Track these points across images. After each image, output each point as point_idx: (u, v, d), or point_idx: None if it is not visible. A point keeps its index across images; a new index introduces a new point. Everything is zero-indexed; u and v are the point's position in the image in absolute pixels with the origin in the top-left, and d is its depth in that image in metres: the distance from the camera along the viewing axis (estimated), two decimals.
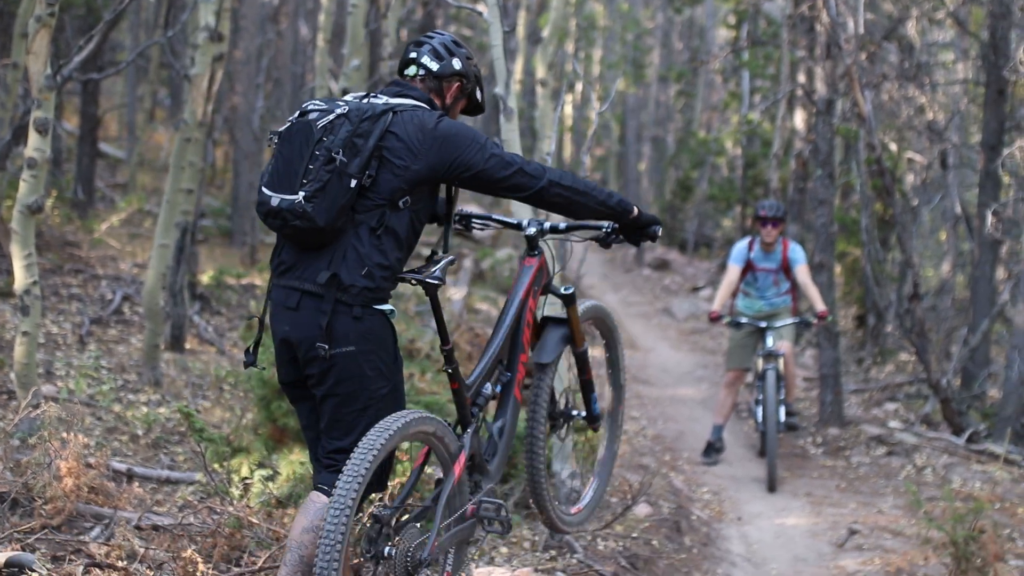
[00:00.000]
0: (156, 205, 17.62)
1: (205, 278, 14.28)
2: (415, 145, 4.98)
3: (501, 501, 5.41)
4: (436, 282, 4.95)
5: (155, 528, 6.62)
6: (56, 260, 13.20)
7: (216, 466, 7.46)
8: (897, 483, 11.66)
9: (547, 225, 5.75)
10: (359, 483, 4.50)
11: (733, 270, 12.23)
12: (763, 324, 11.95)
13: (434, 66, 5.29)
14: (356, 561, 4.88)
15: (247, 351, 5.18)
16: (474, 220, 5.81)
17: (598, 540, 8.37)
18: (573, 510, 6.31)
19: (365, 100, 5.09)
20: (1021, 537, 9.71)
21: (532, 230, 5.72)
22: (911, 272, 14.39)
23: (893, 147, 21.07)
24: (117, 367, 10.40)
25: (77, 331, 11.20)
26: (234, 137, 20.43)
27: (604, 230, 5.66)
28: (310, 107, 5.05)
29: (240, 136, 19.37)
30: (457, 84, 5.37)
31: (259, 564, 5.92)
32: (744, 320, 12.05)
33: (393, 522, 4.82)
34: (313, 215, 4.79)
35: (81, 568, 5.55)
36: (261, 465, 7.48)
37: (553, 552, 7.78)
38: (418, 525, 4.97)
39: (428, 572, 4.88)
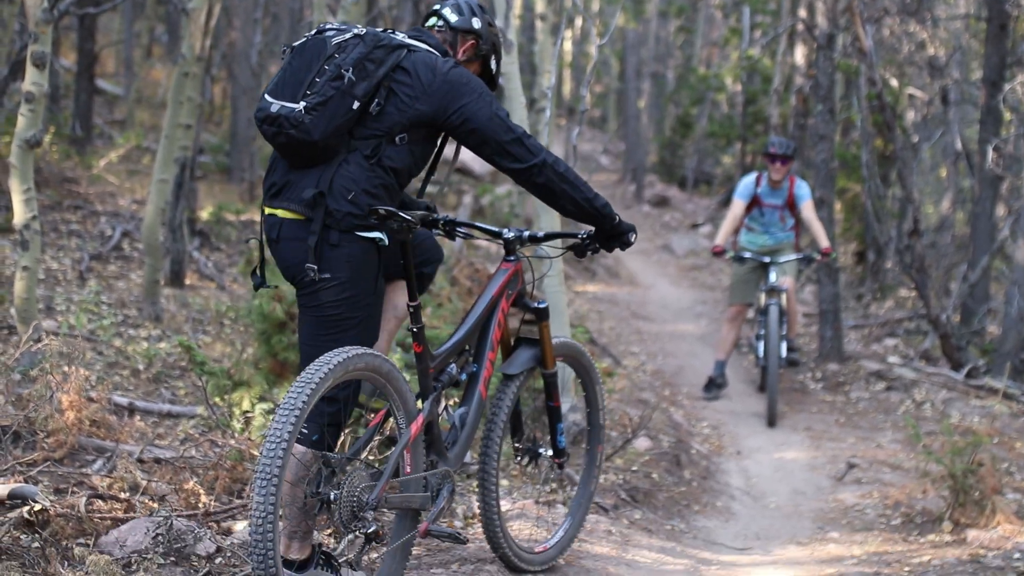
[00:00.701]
0: (154, 142, 17.58)
1: (204, 214, 14.26)
2: (424, 84, 4.97)
3: (454, 530, 5.29)
4: (406, 224, 4.84)
5: (157, 461, 6.65)
6: (55, 196, 13.18)
7: (217, 400, 7.48)
8: (896, 418, 11.69)
9: (526, 234, 5.73)
10: (295, 417, 4.41)
11: (738, 205, 12.21)
12: (766, 259, 11.95)
13: (453, 18, 5.32)
14: (307, 500, 4.82)
15: (253, 273, 5.16)
16: (458, 228, 5.70)
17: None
18: (538, 549, 6.07)
19: (383, 31, 5.07)
20: (1019, 471, 9.74)
21: (511, 235, 5.70)
22: (911, 208, 14.36)
23: (894, 83, 20.99)
24: (117, 302, 10.41)
25: (77, 267, 11.20)
26: (232, 73, 20.34)
27: (581, 237, 5.65)
28: (327, 26, 5.05)
29: (238, 72, 19.27)
30: (472, 42, 5.35)
31: None
32: (748, 255, 12.04)
33: (341, 470, 4.76)
34: (309, 126, 4.79)
35: (84, 500, 5.57)
36: (262, 399, 7.49)
37: (553, 485, 7.81)
38: (365, 474, 4.89)
39: (372, 516, 4.80)
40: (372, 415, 5.31)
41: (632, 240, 5.62)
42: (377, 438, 5.41)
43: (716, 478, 9.58)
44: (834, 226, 14.89)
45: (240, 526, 5.74)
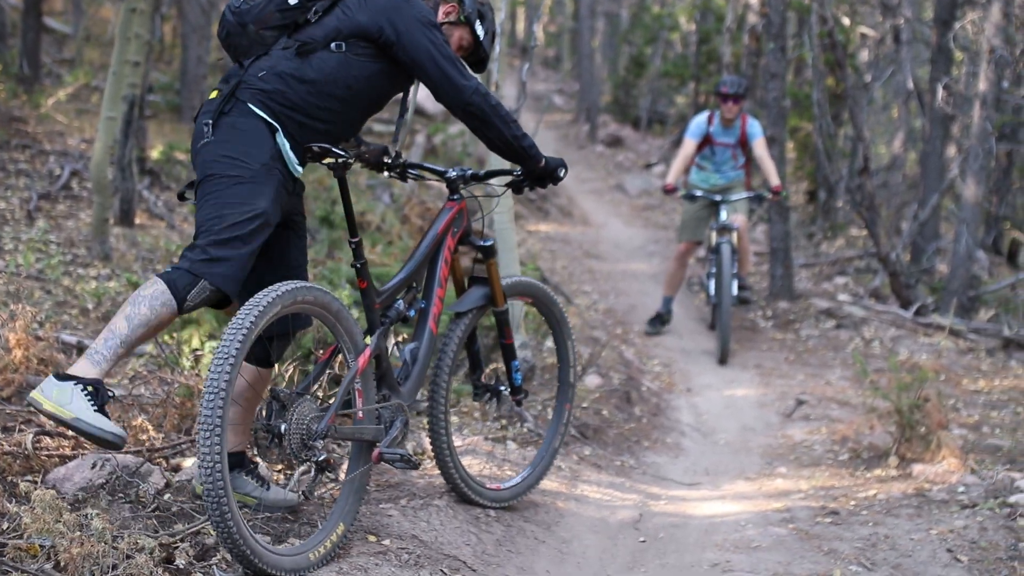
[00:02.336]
0: (104, 80, 17.35)
1: (155, 153, 14.13)
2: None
3: (405, 451, 5.28)
4: (341, 159, 4.94)
5: None
6: (2, 136, 13.04)
7: (166, 338, 7.46)
8: (845, 355, 11.79)
9: (468, 172, 5.89)
10: (240, 339, 4.47)
11: (689, 144, 12.22)
12: (718, 198, 11.98)
13: None
14: (257, 433, 4.90)
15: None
16: (409, 170, 5.78)
17: (548, 410, 8.43)
18: (491, 486, 6.17)
19: None
20: (965, 407, 9.85)
21: (453, 174, 5.86)
22: (862, 147, 14.43)
23: (846, 21, 21.02)
24: (66, 242, 10.33)
25: (25, 206, 11.09)
26: (182, 11, 20.11)
27: (516, 174, 5.82)
28: None
29: (188, 10, 19.04)
30: (453, 7, 5.49)
31: None
32: (699, 193, 12.06)
33: (291, 404, 4.84)
34: (244, 12, 5.01)
35: (31, 436, 5.55)
36: (211, 336, 7.47)
37: (503, 422, 7.85)
38: (315, 406, 4.96)
39: (322, 444, 4.88)
40: (322, 352, 5.31)
41: (562, 175, 5.77)
42: (328, 373, 5.41)
43: (666, 415, 9.64)
44: (785, 165, 14.95)
45: (189, 462, 5.74)
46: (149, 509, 5.10)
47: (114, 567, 4.25)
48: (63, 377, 4.49)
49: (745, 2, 21.69)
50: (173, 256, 10.48)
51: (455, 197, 5.88)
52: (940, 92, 15.50)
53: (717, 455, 8.67)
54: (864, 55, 23.76)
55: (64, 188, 12.11)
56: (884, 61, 21.75)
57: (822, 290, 15.30)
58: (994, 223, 21.55)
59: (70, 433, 5.63)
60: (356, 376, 5.13)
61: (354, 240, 5.23)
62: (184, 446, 5.91)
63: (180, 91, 18.82)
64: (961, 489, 7.07)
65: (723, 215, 11.91)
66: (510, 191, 6.08)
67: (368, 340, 5.31)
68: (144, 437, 5.90)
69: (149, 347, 7.69)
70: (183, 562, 4.54)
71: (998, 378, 11.10)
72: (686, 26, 29.57)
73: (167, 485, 5.38)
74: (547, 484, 6.76)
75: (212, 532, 4.83)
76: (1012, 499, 6.72)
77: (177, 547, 4.65)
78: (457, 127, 18.38)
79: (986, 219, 20.94)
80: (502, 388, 6.29)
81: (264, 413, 4.85)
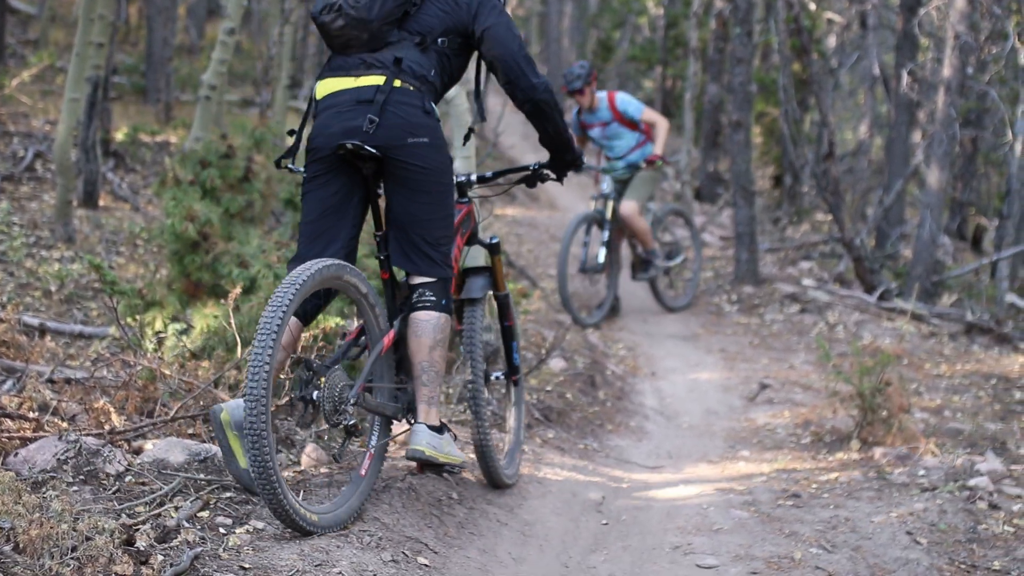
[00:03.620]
0: (68, 62, 17.30)
1: (119, 135, 14.07)
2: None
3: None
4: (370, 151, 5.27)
5: (68, 381, 6.60)
6: None
7: (129, 320, 7.43)
8: (809, 339, 11.84)
9: (474, 177, 6.25)
10: (282, 313, 4.76)
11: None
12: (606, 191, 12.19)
13: None
14: (293, 402, 5.30)
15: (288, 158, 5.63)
16: None
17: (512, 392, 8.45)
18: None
19: None
20: (927, 391, 9.91)
21: (462, 179, 6.17)
22: (826, 131, 14.48)
23: (812, 6, 21.07)
24: (29, 223, 10.28)
25: None
26: None
27: (532, 168, 6.16)
28: None
29: None
30: None
31: (171, 414, 5.93)
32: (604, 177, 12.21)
33: (322, 375, 5.12)
34: (365, 7, 5.32)
35: None
36: (175, 319, 7.45)
37: (467, 405, 7.85)
38: (344, 377, 5.25)
39: (351, 411, 5.19)
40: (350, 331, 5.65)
41: (583, 162, 6.12)
42: (354, 350, 5.61)
43: (630, 398, 9.67)
44: (751, 150, 14.95)
45: (150, 445, 5.72)
46: (110, 491, 5.09)
47: (73, 549, 4.23)
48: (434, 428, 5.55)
49: None
50: (136, 238, 10.44)
51: (463, 200, 6.20)
52: (905, 78, 15.57)
53: (680, 438, 8.70)
54: (831, 41, 23.84)
55: (28, 170, 12.06)
56: (850, 47, 21.86)
57: (787, 275, 15.36)
58: (958, 209, 21.69)
59: (31, 415, 5.63)
60: (381, 353, 5.46)
61: (379, 233, 5.57)
62: (146, 429, 5.89)
63: (145, 73, 18.75)
64: (922, 472, 7.12)
65: (604, 186, 12.19)
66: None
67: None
68: (106, 420, 5.88)
69: (112, 329, 7.66)
70: (144, 544, 4.53)
71: (960, 362, 11.18)
72: (654, 10, 29.58)
73: (128, 468, 5.37)
74: None
75: (173, 515, 4.84)
76: (972, 482, 6.77)
77: (138, 529, 4.64)
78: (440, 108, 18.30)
79: (950, 205, 21.07)
80: (494, 375, 6.62)
81: (299, 384, 5.14)
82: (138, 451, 5.72)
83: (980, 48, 15.86)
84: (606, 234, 11.98)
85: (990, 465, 7.19)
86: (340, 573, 4.65)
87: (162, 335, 7.15)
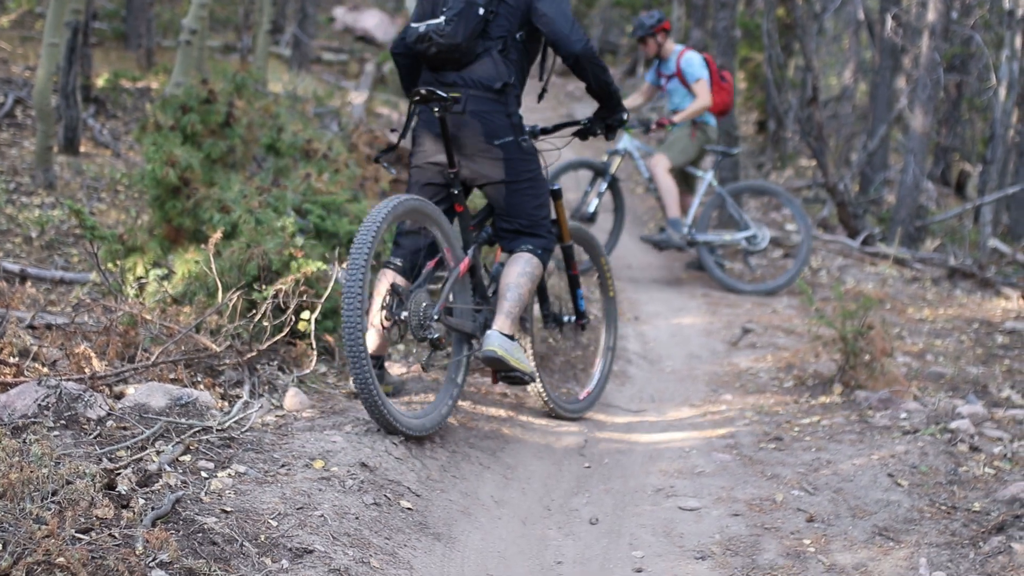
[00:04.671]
0: (48, 7, 17.17)
1: (100, 81, 13.97)
2: None
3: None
4: (444, 100, 6.15)
5: (48, 327, 6.57)
6: None
7: (110, 266, 7.40)
8: (793, 285, 11.83)
9: (538, 127, 6.83)
10: (367, 249, 5.64)
11: (644, 84, 12.46)
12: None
13: None
14: (384, 321, 6.03)
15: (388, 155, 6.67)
16: None
17: None
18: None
19: None
20: (910, 335, 9.93)
21: (526, 129, 6.70)
22: (810, 76, 14.43)
23: None
24: (9, 170, 10.21)
25: None
26: None
27: (583, 123, 6.89)
28: None
29: None
30: None
31: (153, 359, 5.91)
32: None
33: (408, 298, 6.04)
34: (452, 32, 6.23)
35: None
36: (156, 265, 7.43)
37: (450, 349, 7.85)
38: (427, 297, 6.15)
39: (435, 326, 6.09)
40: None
41: (626, 117, 6.87)
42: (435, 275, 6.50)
43: None
44: (736, 95, 14.91)
45: (132, 389, 5.71)
46: (92, 436, 5.08)
47: (54, 493, 4.23)
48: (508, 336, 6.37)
49: None
50: (117, 184, 10.39)
51: None
52: (889, 22, 15.52)
53: (663, 383, 8.71)
54: None
55: (8, 116, 11.98)
56: None
57: (771, 220, 15.35)
58: (942, 154, 21.67)
59: (12, 361, 5.61)
60: (458, 276, 6.35)
61: (452, 170, 6.37)
62: (127, 374, 5.88)
63: (126, 18, 18.61)
64: (903, 416, 7.13)
65: (620, 143, 12.18)
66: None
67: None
68: (86, 366, 5.86)
69: (93, 275, 7.63)
70: (125, 488, 4.52)
71: (943, 307, 11.20)
72: None
73: (109, 413, 5.36)
74: (493, 411, 6.81)
75: (154, 459, 4.84)
76: (953, 425, 6.79)
77: (119, 473, 4.63)
78: None
79: (934, 150, 21.06)
80: (564, 318, 7.44)
81: (388, 305, 5.99)
82: (119, 396, 5.71)
83: None
84: (603, 186, 11.93)
85: (971, 408, 7.22)
86: (322, 516, 4.65)
87: (143, 280, 7.13)
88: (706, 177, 12.04)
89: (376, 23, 24.65)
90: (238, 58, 18.10)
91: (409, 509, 5.15)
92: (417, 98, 6.18)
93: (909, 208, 13.75)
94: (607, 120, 6.82)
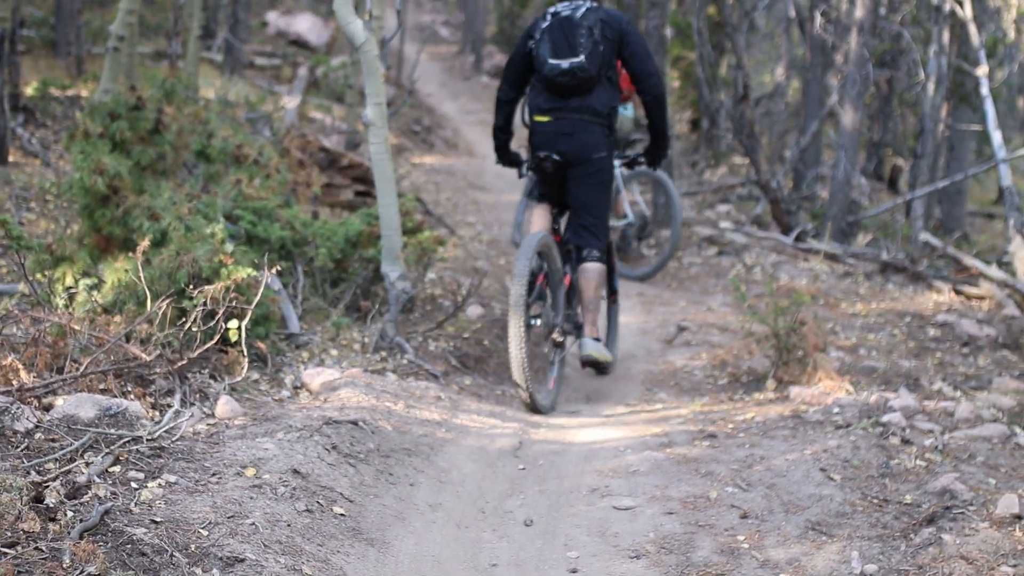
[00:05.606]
0: None
1: (29, 90, 13.84)
2: (616, 28, 7.95)
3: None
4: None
5: None
6: None
7: (39, 276, 7.34)
8: (727, 282, 11.89)
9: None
10: (528, 255, 7.59)
11: None
12: None
13: None
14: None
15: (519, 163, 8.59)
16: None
17: (429, 341, 8.44)
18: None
19: (576, 0, 8.11)
20: (843, 330, 10.00)
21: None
22: (741, 75, 14.51)
23: None
24: None
25: None
26: None
27: (637, 157, 8.58)
28: (560, 8, 8.05)
29: None
30: None
31: (82, 369, 5.86)
32: None
33: (536, 307, 7.89)
34: (589, 67, 7.85)
35: None
36: (86, 274, 7.37)
37: (384, 353, 7.84)
38: (550, 308, 8.07)
39: (560, 329, 8.05)
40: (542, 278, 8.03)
41: (668, 154, 8.60)
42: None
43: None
44: (668, 94, 14.95)
45: (61, 401, 5.65)
46: (19, 449, 5.02)
47: None
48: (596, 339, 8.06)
49: None
50: (47, 194, 10.29)
51: None
52: (818, 19, 15.62)
53: (598, 382, 8.73)
54: None
55: None
56: None
57: (705, 218, 15.43)
58: (875, 150, 21.84)
59: None
60: (566, 290, 8.16)
61: (555, 209, 8.38)
62: (56, 385, 5.82)
63: (55, 26, 18.43)
64: (836, 410, 7.18)
65: None
66: None
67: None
68: (14, 377, 5.80)
69: (21, 286, 7.56)
70: (53, 500, 4.48)
71: (875, 301, 11.29)
72: None
73: (38, 424, 5.30)
74: (427, 415, 6.79)
75: (84, 471, 4.80)
76: (885, 418, 6.84)
77: (48, 486, 4.58)
78: (338, 60, 18.20)
79: (867, 146, 21.22)
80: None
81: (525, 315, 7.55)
82: (48, 408, 5.65)
83: None
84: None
85: (903, 401, 7.27)
86: (253, 524, 4.63)
87: (73, 290, 7.06)
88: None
89: (309, 27, 24.55)
90: (167, 64, 17.98)
91: (342, 515, 5.14)
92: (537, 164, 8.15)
93: (841, 204, 13.86)
94: (658, 156, 8.41)
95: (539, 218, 8.29)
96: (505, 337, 9.25)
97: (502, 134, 8.56)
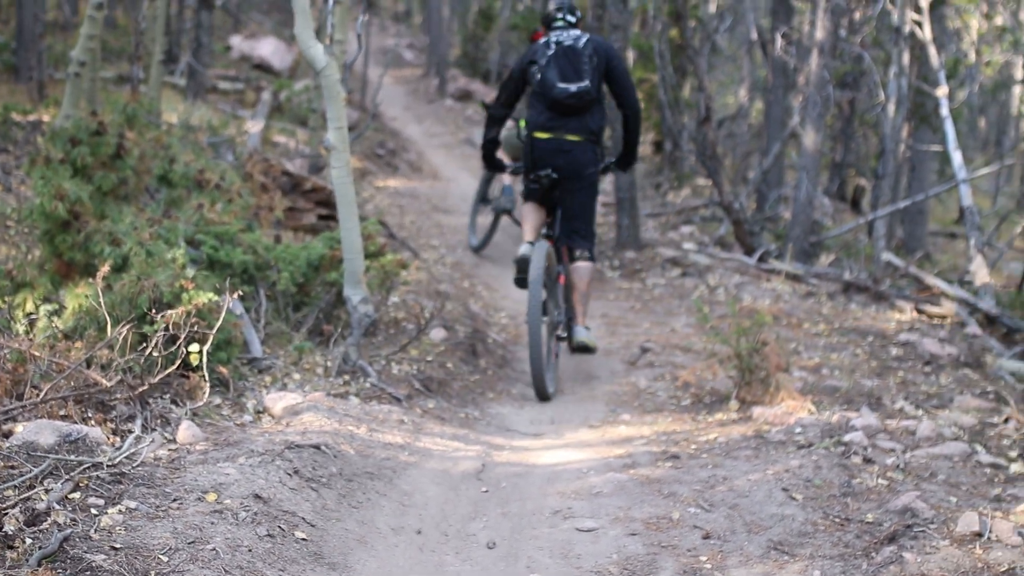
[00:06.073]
0: None
1: None
2: (604, 55, 9.09)
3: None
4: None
5: None
6: None
7: None
8: (690, 303, 11.92)
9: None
10: (538, 267, 8.68)
11: None
12: None
13: (571, 19, 9.43)
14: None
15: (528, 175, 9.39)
16: None
17: (392, 364, 8.43)
18: None
19: (572, 31, 9.27)
20: (806, 350, 10.04)
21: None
22: (703, 96, 14.57)
23: None
24: None
25: None
26: None
27: (606, 163, 9.60)
28: (562, 38, 9.17)
29: None
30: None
31: (42, 396, 5.83)
32: None
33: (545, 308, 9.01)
34: (592, 91, 8.98)
35: None
36: (46, 300, 7.33)
37: (346, 377, 7.82)
38: (555, 306, 9.21)
39: (564, 324, 9.31)
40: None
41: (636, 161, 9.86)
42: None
43: (512, 366, 9.69)
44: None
45: (20, 427, 5.62)
46: None
47: None
48: (587, 328, 9.29)
49: None
50: (7, 220, 10.25)
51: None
52: (778, 40, 15.71)
53: (562, 404, 8.74)
54: (712, 6, 23.98)
55: None
56: (729, 11, 21.99)
57: (668, 239, 15.47)
58: (838, 171, 21.96)
59: None
60: (562, 288, 9.25)
61: (548, 218, 9.41)
62: (16, 411, 5.79)
63: (16, 50, 18.37)
64: (798, 430, 7.21)
65: None
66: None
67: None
68: None
69: None
70: (12, 528, 4.46)
71: (838, 321, 11.34)
72: None
73: None
74: (390, 438, 6.78)
75: (43, 498, 4.77)
76: (847, 438, 6.88)
77: (6, 513, 4.56)
78: (302, 84, 18.19)
79: (830, 167, 21.34)
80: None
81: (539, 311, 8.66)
82: (8, 434, 5.62)
83: (852, 10, 16.05)
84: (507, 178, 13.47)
85: (865, 420, 7.31)
86: (214, 550, 4.61)
87: (33, 316, 7.03)
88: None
89: (272, 51, 24.51)
90: (130, 89, 17.92)
91: (304, 540, 5.12)
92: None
93: (803, 224, 13.92)
94: (629, 162, 9.65)
95: (531, 214, 9.33)
96: (466, 360, 9.27)
97: (491, 145, 9.57)
